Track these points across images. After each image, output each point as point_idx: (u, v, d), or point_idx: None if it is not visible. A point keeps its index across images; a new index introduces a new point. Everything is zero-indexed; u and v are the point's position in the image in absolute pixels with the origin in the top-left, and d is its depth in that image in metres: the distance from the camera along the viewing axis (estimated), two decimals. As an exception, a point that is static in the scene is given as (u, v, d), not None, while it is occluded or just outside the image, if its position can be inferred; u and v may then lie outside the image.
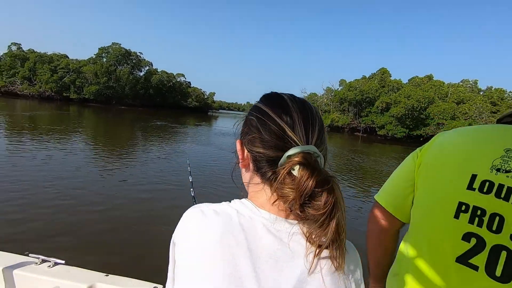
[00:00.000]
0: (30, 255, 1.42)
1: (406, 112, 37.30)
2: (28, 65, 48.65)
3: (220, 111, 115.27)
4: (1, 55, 55.07)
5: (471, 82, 45.96)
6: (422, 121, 38.53)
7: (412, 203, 0.83)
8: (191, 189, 1.60)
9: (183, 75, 69.95)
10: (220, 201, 0.53)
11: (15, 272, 1.31)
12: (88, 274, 1.35)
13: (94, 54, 54.23)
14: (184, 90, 67.61)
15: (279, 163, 0.50)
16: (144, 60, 60.75)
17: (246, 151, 0.56)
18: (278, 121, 0.51)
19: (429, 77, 45.26)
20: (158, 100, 60.93)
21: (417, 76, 46.77)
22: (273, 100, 0.56)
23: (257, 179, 0.55)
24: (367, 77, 48.76)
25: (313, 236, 0.47)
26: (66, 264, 1.40)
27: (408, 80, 47.35)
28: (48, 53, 52.70)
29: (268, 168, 0.52)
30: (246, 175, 0.59)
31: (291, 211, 0.48)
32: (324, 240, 0.46)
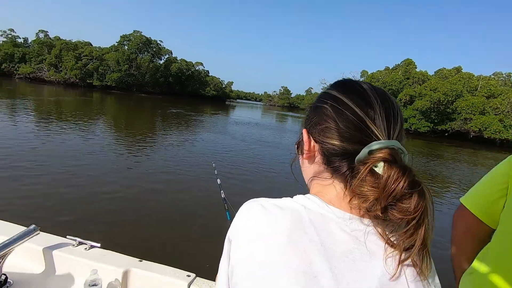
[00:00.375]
0: (67, 237, 1.46)
1: (432, 105, 35.64)
2: (55, 52, 50.31)
3: (238, 100, 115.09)
4: (30, 42, 57.34)
5: (504, 75, 43.08)
6: (448, 115, 36.74)
7: (504, 206, 0.85)
8: (221, 191, 1.55)
9: (201, 64, 70.13)
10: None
11: (54, 252, 1.38)
12: (123, 258, 1.39)
13: (116, 42, 55.23)
14: (202, 78, 67.86)
15: (356, 158, 0.45)
16: (164, 48, 61.25)
17: (313, 141, 0.53)
18: (357, 111, 0.47)
19: (458, 69, 42.84)
20: (177, 88, 61.61)
21: (445, 68, 44.43)
22: (350, 87, 0.52)
23: (325, 173, 0.51)
24: (390, 68, 46.83)
25: (394, 239, 0.43)
26: (101, 247, 1.45)
27: (435, 72, 45.09)
28: (73, 41, 54.21)
29: (342, 162, 0.48)
30: (309, 168, 0.55)
31: (368, 211, 0.43)
32: (408, 245, 0.42)
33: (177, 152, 9.12)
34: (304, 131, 0.55)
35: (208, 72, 71.90)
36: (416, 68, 44.05)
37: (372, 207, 0.42)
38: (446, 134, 36.06)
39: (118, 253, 1.43)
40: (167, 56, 62.12)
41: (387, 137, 0.46)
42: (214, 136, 13.64)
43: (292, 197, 0.51)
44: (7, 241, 1.21)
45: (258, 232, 0.44)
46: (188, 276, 1.29)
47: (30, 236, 1.29)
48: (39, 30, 56.71)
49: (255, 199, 0.50)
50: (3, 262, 1.23)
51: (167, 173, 6.70)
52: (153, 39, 57.71)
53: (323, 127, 0.50)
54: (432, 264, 0.47)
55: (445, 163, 15.16)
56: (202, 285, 1.27)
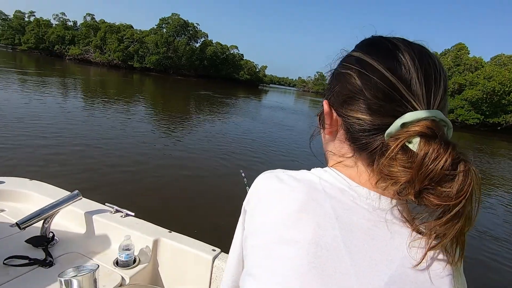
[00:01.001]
0: (106, 204, 1.58)
1: (484, 95, 32.22)
2: (100, 35, 53.14)
3: (271, 85, 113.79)
4: (79, 25, 61.14)
5: None
6: (503, 107, 33.02)
7: None
8: (242, 172, 1.51)
9: (236, 47, 69.83)
10: None
11: (94, 217, 1.49)
12: (154, 228, 1.46)
13: (155, 25, 56.74)
14: (236, 62, 67.76)
15: (387, 132, 0.38)
16: (200, 31, 61.76)
17: (335, 114, 0.46)
18: (387, 75, 0.39)
19: (520, 56, 37.94)
20: (211, 71, 62.34)
21: (503, 54, 39.57)
22: (378, 46, 0.43)
23: (347, 149, 0.46)
24: (439, 53, 42.88)
25: (423, 226, 0.37)
26: (135, 216, 1.53)
27: (491, 59, 40.42)
28: (116, 24, 56.65)
29: (369, 139, 0.41)
30: (330, 144, 0.50)
31: (398, 194, 0.37)
32: (441, 234, 0.35)
33: (209, 133, 9.27)
34: (325, 103, 0.48)
35: (243, 56, 71.48)
36: (468, 53, 39.81)
37: (404, 190, 0.36)
38: (499, 128, 32.64)
39: (150, 223, 1.50)
40: (203, 39, 62.67)
41: (426, 106, 0.38)
42: (249, 121, 13.65)
43: (309, 169, 0.47)
44: (54, 203, 1.33)
45: (271, 202, 0.42)
46: (214, 250, 1.33)
47: (74, 200, 1.40)
48: (87, 14, 60.18)
49: (271, 170, 0.48)
50: (51, 222, 1.35)
51: (198, 152, 6.86)
52: (190, 22, 58.41)
53: (346, 98, 0.43)
54: (461, 260, 0.40)
55: (500, 160, 13.73)
56: (226, 259, 1.26)
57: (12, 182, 1.73)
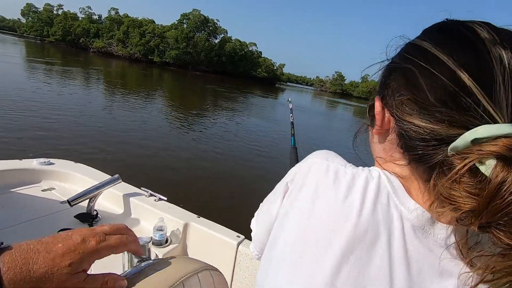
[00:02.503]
0: (142, 188, 1.72)
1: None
2: (123, 29, 54.65)
3: (288, 83, 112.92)
4: (103, 19, 63.04)
5: None
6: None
7: None
8: (291, 115, 1.57)
9: (255, 44, 69.94)
10: None
11: (131, 199, 1.62)
12: (184, 213, 1.56)
13: (176, 20, 57.69)
14: (255, 59, 67.91)
15: (452, 146, 0.31)
16: (220, 27, 62.24)
17: (388, 115, 0.40)
18: (462, 75, 0.31)
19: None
20: (229, 68, 62.78)
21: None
22: (454, 35, 0.35)
23: (399, 156, 0.40)
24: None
25: (479, 261, 0.32)
26: (167, 201, 1.64)
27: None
28: (139, 18, 58.01)
29: (427, 149, 0.35)
30: (378, 146, 0.44)
31: (457, 221, 0.32)
32: (499, 272, 0.30)
33: (232, 129, 9.34)
34: (377, 100, 0.42)
35: (261, 53, 71.54)
36: None
37: (466, 219, 0.30)
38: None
39: (180, 208, 1.60)
40: (222, 35, 63.17)
41: (510, 120, 0.30)
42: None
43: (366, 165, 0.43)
44: (98, 185, 1.46)
45: (322, 202, 0.38)
46: (238, 236, 1.40)
47: (115, 183, 1.53)
48: (111, 8, 61.92)
49: (328, 153, 0.44)
50: (95, 201, 1.49)
51: (226, 142, 6.96)
52: (210, 18, 58.94)
53: (404, 99, 0.36)
54: None
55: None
56: (250, 246, 1.31)
57: (60, 164, 1.89)
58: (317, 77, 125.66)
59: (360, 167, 0.42)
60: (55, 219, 1.45)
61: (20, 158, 1.83)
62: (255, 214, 0.60)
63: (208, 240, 1.44)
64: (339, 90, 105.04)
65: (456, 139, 0.31)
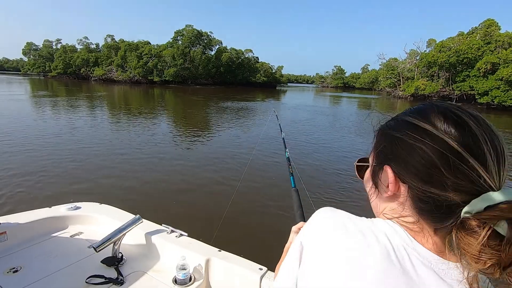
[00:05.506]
0: (163, 225, 1.73)
1: (522, 73, 29.83)
2: (120, 54, 55.81)
3: (289, 84, 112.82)
4: (100, 47, 64.65)
5: None
6: (545, 83, 30.37)
7: None
8: (286, 151, 1.57)
9: (251, 51, 70.38)
10: None
11: (153, 238, 1.64)
12: (205, 247, 1.56)
13: (171, 38, 58.60)
14: (252, 65, 68.22)
15: (466, 210, 0.38)
16: (214, 39, 62.95)
17: (400, 182, 0.45)
18: (465, 155, 0.38)
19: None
20: (228, 77, 63.27)
21: (540, 25, 36.32)
22: (447, 118, 0.42)
23: (409, 213, 0.45)
24: (465, 33, 40.41)
25: None
26: (188, 236, 1.65)
27: (526, 32, 37.35)
28: (135, 41, 59.22)
29: (440, 211, 0.41)
30: (385, 204, 0.49)
31: (481, 271, 0.37)
32: None
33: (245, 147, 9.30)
34: (389, 170, 0.46)
35: (258, 59, 71.84)
36: (499, 29, 37.14)
37: (488, 269, 0.36)
38: (542, 106, 30.07)
39: (201, 242, 1.62)
40: (217, 46, 63.81)
41: (499, 186, 0.38)
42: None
43: (369, 217, 0.48)
44: (121, 228, 1.50)
45: (339, 258, 0.42)
46: (260, 269, 1.37)
47: (136, 224, 1.58)
48: (107, 35, 63.52)
49: (332, 210, 0.48)
50: (119, 243, 1.52)
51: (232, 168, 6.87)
52: (203, 31, 59.71)
53: (418, 171, 0.42)
54: None
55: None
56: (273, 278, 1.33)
57: (86, 207, 1.99)
58: (317, 74, 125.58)
59: (364, 218, 0.47)
60: (83, 265, 1.51)
61: (50, 206, 1.96)
62: (275, 280, 0.58)
63: (231, 275, 1.42)
64: (340, 84, 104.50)
65: (467, 204, 0.37)
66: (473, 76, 35.80)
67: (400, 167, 0.44)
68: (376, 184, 0.51)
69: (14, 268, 1.45)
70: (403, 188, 0.45)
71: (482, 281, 0.39)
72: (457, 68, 37.96)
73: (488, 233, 0.35)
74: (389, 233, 0.43)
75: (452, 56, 36.79)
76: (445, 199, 0.39)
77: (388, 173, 0.46)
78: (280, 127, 1.59)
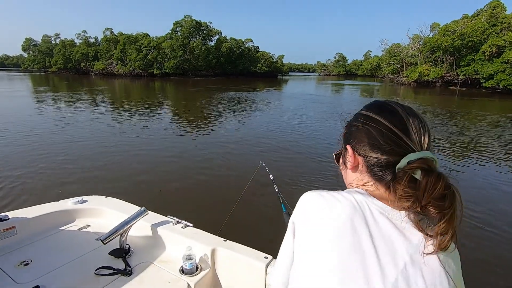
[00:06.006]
0: (168, 216, 1.75)
1: (527, 55, 29.13)
2: (120, 47, 55.35)
3: (290, 73, 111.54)
4: (100, 41, 64.10)
5: None
6: (552, 65, 29.65)
7: None
8: (275, 186, 1.65)
9: (251, 40, 69.53)
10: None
11: (159, 229, 1.66)
12: (210, 237, 1.57)
13: (170, 30, 57.95)
14: (253, 55, 67.47)
15: (397, 167, 0.56)
16: (214, 29, 62.12)
17: (357, 155, 0.64)
18: (394, 129, 0.57)
19: None
20: (229, 68, 62.73)
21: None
22: (383, 108, 0.62)
23: (367, 178, 0.62)
24: (470, 15, 39.39)
25: (427, 227, 0.54)
26: (193, 226, 1.67)
27: (533, 12, 36.32)
28: (134, 34, 58.61)
29: (385, 171, 0.59)
30: (351, 175, 0.67)
31: (409, 208, 0.53)
32: (438, 232, 0.51)
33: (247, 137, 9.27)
34: (349, 147, 0.65)
35: (258, 48, 70.98)
36: (505, 10, 36.12)
37: (413, 205, 0.52)
38: (548, 88, 29.42)
39: (206, 232, 1.62)
40: (217, 36, 63.02)
41: (421, 148, 0.56)
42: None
43: (342, 190, 0.64)
44: (127, 220, 1.51)
45: (321, 217, 0.56)
46: (266, 258, 1.39)
47: (142, 216, 1.58)
48: (105, 28, 62.85)
49: (313, 190, 0.62)
50: (126, 235, 1.54)
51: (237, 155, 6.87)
52: (202, 21, 58.87)
53: (367, 144, 0.60)
54: (456, 253, 0.57)
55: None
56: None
57: (92, 201, 2.02)
58: (318, 62, 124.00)
59: (338, 191, 0.62)
60: (92, 257, 1.54)
61: (57, 200, 1.99)
62: (273, 271, 0.72)
63: (237, 264, 1.44)
64: (342, 72, 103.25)
65: (398, 163, 0.56)
66: (478, 60, 35.11)
67: (356, 144, 0.63)
68: (344, 162, 0.69)
69: (24, 261, 1.48)
70: (360, 159, 0.63)
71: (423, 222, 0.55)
72: (462, 52, 37.22)
73: (407, 178, 0.53)
74: (354, 193, 0.59)
75: (456, 40, 36.02)
76: (385, 160, 0.58)
77: (349, 149, 0.65)
78: (273, 182, 1.65)
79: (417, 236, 0.54)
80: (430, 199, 0.50)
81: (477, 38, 34.78)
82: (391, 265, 0.51)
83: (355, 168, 0.65)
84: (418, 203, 0.51)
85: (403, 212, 0.56)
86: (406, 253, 0.52)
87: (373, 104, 0.65)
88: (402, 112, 0.60)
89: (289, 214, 1.25)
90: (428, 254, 0.53)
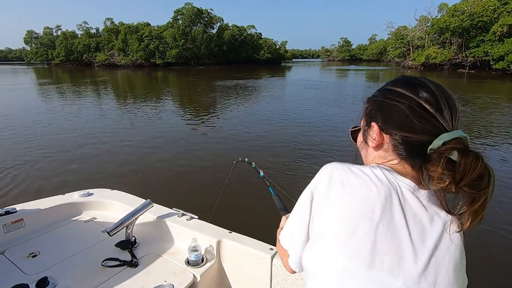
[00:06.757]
0: (173, 208, 1.76)
1: (540, 34, 28.09)
2: (121, 37, 54.84)
3: (294, 60, 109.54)
4: (101, 31, 63.56)
5: None
6: None
7: None
8: (260, 171, 1.56)
9: (253, 27, 68.30)
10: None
11: (164, 221, 1.67)
12: (215, 229, 1.57)
13: (171, 18, 57.04)
14: (255, 42, 66.42)
15: (430, 147, 0.53)
16: (215, 16, 61.04)
17: (383, 133, 0.60)
18: (427, 106, 0.54)
19: None
20: (231, 56, 61.96)
21: None
22: (414, 84, 0.58)
23: (393, 156, 0.60)
24: (480, -6, 37.81)
25: (456, 207, 0.53)
26: (198, 219, 1.67)
27: (547, -11, 34.75)
28: (134, 24, 57.90)
29: (413, 151, 0.56)
30: (373, 153, 0.64)
31: (443, 189, 0.52)
32: (471, 212, 0.50)
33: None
34: (374, 125, 0.61)
35: (261, 35, 69.80)
36: (517, -13, 34.57)
37: (448, 186, 0.50)
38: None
39: (212, 224, 1.61)
40: (219, 24, 61.97)
41: (452, 127, 0.54)
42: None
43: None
44: (132, 212, 1.51)
45: (351, 192, 0.54)
46: (271, 249, 1.38)
47: (147, 208, 1.58)
48: (106, 19, 62.19)
49: (337, 162, 0.60)
50: (132, 228, 1.54)
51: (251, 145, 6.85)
52: (204, 8, 57.79)
53: (396, 122, 0.57)
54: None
55: None
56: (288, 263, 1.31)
57: (98, 194, 2.03)
58: (322, 47, 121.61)
59: (363, 165, 0.60)
60: (99, 249, 1.56)
61: (63, 193, 2.01)
62: (282, 235, 0.69)
63: (242, 255, 1.44)
64: (347, 57, 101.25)
65: (430, 143, 0.53)
66: (488, 40, 33.96)
67: (383, 122, 0.60)
68: (366, 139, 0.66)
69: (32, 253, 1.50)
70: (386, 138, 0.60)
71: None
72: (471, 33, 36.02)
73: (445, 160, 0.50)
74: (382, 169, 0.57)
75: (465, 20, 34.79)
76: (416, 140, 0.55)
77: (375, 127, 0.61)
78: (257, 169, 1.60)
79: (442, 215, 0.54)
80: (468, 179, 0.48)
81: (488, 17, 33.53)
82: (422, 244, 0.51)
83: (379, 146, 0.62)
84: (454, 184, 0.49)
85: (430, 191, 0.56)
86: (435, 232, 0.52)
87: (401, 79, 0.61)
88: (435, 88, 0.56)
89: (278, 196, 1.24)
90: (453, 233, 0.53)
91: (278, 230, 0.80)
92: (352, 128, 0.73)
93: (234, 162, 1.83)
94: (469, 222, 0.51)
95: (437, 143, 0.52)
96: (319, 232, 0.56)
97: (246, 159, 1.76)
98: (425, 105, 0.54)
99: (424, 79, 0.59)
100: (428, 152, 0.53)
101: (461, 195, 0.51)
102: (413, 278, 0.49)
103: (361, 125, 0.69)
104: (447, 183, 0.50)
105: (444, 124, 0.53)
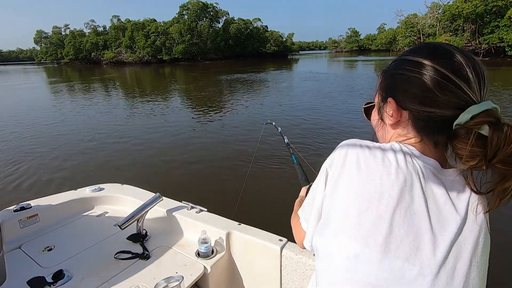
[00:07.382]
0: (182, 202, 1.78)
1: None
2: (128, 34, 55.18)
3: (301, 52, 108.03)
4: (108, 29, 64.12)
5: None
6: None
7: None
8: (284, 137, 1.59)
9: (259, 19, 67.55)
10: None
11: (174, 214, 1.69)
12: (225, 221, 1.58)
13: (177, 13, 56.98)
14: (261, 35, 65.75)
15: (456, 123, 0.47)
16: (221, 10, 60.63)
17: (401, 109, 0.54)
18: (452, 76, 0.47)
19: None
20: (238, 50, 61.59)
21: None
22: (437, 52, 0.51)
23: (413, 134, 0.54)
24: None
25: (484, 188, 0.49)
26: (208, 211, 1.68)
27: None
28: (141, 20, 58.09)
29: (437, 127, 0.51)
30: (391, 131, 0.58)
31: (473, 167, 0.47)
32: (502, 190, 0.46)
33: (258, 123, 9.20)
34: (391, 100, 0.55)
35: (267, 27, 68.98)
36: (534, -31, 33.01)
37: (478, 163, 0.45)
38: None
39: (221, 217, 1.63)
40: (224, 18, 61.57)
41: (481, 99, 0.48)
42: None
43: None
44: (143, 206, 1.53)
45: (369, 172, 0.50)
46: (280, 240, 1.39)
47: (157, 202, 1.60)
48: (113, 16, 62.66)
49: (354, 139, 0.55)
50: (143, 221, 1.57)
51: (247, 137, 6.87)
52: (209, 2, 57.45)
53: (417, 96, 0.51)
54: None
55: None
56: (294, 248, 1.33)
57: (109, 188, 2.07)
58: (330, 38, 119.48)
59: (382, 143, 0.55)
60: (111, 242, 1.59)
61: (75, 188, 2.05)
62: (299, 213, 0.65)
63: (252, 247, 1.45)
64: (355, 48, 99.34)
65: (457, 117, 0.47)
66: (503, 26, 32.68)
67: (400, 96, 0.54)
68: (382, 117, 0.60)
69: (48, 246, 1.55)
70: (405, 114, 0.54)
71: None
72: (485, 19, 34.72)
73: (475, 136, 0.45)
74: (402, 147, 0.53)
75: (479, 6, 33.51)
76: (440, 115, 0.49)
77: (392, 103, 0.55)
78: (282, 135, 1.62)
79: (467, 195, 0.50)
80: (502, 155, 0.43)
81: (503, 2, 32.18)
82: (443, 229, 0.47)
83: (396, 124, 0.56)
84: (485, 161, 0.45)
85: (455, 170, 0.51)
86: (458, 215, 0.48)
87: (422, 47, 0.54)
88: (460, 55, 0.49)
89: (300, 165, 1.23)
90: (479, 214, 0.49)
91: (296, 200, 0.78)
92: (366, 104, 0.66)
93: (264, 124, 1.87)
94: (498, 201, 0.46)
95: (464, 117, 0.46)
96: (329, 213, 0.53)
97: (274, 123, 1.77)
98: (450, 74, 0.47)
99: (446, 45, 0.52)
100: (454, 127, 0.48)
101: (489, 172, 0.46)
102: (430, 266, 0.45)
103: (376, 101, 0.62)
104: (477, 160, 0.45)
105: (472, 96, 0.47)
